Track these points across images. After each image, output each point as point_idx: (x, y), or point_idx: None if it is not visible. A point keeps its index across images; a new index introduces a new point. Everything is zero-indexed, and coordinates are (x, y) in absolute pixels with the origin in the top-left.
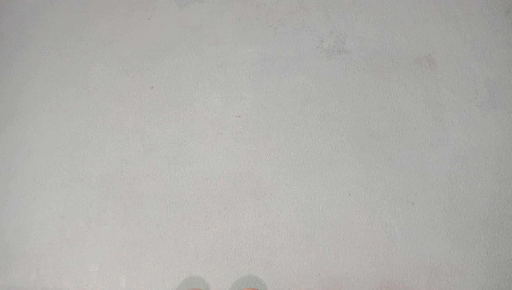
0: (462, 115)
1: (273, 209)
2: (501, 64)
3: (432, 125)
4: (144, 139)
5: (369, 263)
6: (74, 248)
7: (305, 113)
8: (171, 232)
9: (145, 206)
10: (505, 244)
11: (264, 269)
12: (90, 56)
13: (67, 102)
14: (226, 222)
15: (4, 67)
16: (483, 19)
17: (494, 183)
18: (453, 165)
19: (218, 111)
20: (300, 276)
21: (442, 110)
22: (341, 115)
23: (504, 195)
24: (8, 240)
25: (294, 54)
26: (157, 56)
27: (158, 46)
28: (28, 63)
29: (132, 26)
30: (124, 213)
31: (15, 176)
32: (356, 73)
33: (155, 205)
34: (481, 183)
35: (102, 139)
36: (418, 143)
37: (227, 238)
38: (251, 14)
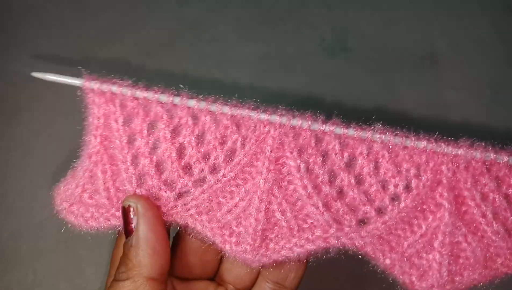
0: (465, 115)
1: None
2: (506, 63)
3: (435, 124)
4: None
5: None
6: (71, 250)
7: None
8: None
9: None
10: None
11: None
12: (87, 54)
13: (64, 102)
14: None
15: (0, 67)
16: (487, 18)
17: None
18: None
19: None
20: None
21: (445, 109)
22: (343, 114)
23: None
24: (4, 241)
25: (295, 52)
26: (156, 54)
27: (156, 44)
28: (24, 62)
29: (130, 23)
30: None
31: (11, 177)
32: (358, 72)
33: None
34: None
35: None
36: None
37: None
38: (251, 11)
